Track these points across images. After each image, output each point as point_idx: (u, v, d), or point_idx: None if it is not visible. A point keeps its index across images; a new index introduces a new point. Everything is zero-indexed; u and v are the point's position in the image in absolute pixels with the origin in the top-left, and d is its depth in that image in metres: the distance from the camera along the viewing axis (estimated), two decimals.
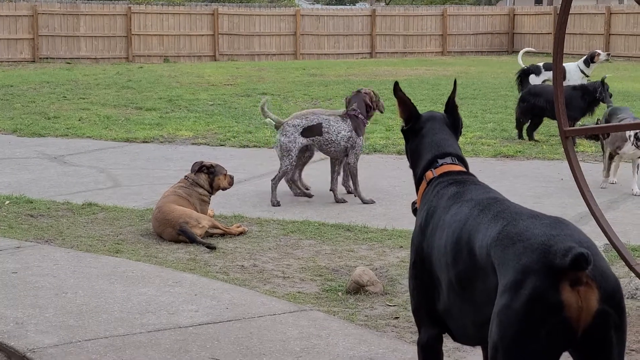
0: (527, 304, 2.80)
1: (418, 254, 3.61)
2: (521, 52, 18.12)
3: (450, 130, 3.92)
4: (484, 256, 3.10)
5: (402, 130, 3.94)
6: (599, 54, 15.50)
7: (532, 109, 13.20)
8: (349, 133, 9.57)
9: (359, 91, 9.89)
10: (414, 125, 3.91)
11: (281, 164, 9.50)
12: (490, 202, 3.40)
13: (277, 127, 9.70)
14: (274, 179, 9.47)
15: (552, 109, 12.67)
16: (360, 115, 9.66)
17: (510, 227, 3.06)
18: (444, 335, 3.67)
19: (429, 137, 3.87)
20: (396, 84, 3.93)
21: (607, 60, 15.95)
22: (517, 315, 2.81)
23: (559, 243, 2.87)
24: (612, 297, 2.85)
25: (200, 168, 8.46)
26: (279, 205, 9.27)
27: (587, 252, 2.77)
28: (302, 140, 9.53)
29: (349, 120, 9.62)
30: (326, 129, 9.56)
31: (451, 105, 4.00)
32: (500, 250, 2.99)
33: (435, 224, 3.53)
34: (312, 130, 9.56)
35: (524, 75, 14.50)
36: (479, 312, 3.15)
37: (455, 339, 3.57)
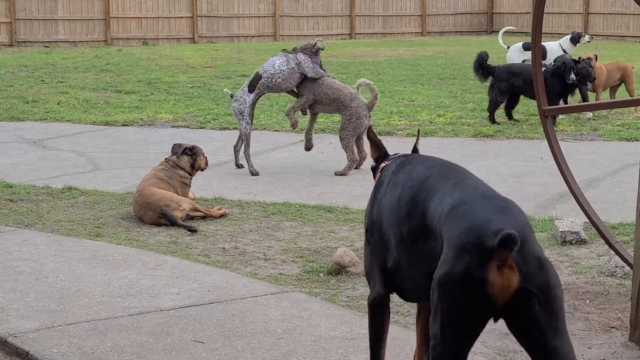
0: (459, 277, 3.23)
1: (370, 218, 3.97)
2: (501, 31, 18.14)
3: None
4: (436, 220, 3.46)
5: (372, 168, 4.30)
6: (583, 36, 15.52)
7: (511, 89, 13.06)
8: (285, 61, 9.93)
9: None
10: (381, 163, 4.24)
11: (240, 129, 9.91)
12: (450, 169, 3.75)
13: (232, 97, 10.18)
14: (239, 146, 9.79)
15: (531, 88, 12.65)
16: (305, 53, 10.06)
17: (463, 204, 3.39)
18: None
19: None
20: (369, 129, 4.36)
21: (588, 42, 15.96)
22: (451, 285, 3.26)
23: (495, 226, 3.21)
24: (533, 279, 3.22)
25: (184, 151, 8.45)
26: (258, 175, 9.47)
27: (515, 233, 3.11)
28: (251, 97, 9.96)
29: (289, 55, 10.02)
30: (262, 71, 9.97)
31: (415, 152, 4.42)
32: (449, 223, 3.37)
33: (387, 186, 3.89)
34: (253, 82, 10.01)
35: (481, 62, 13.80)
36: (427, 265, 3.52)
37: (405, 298, 3.98)
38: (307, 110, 10.19)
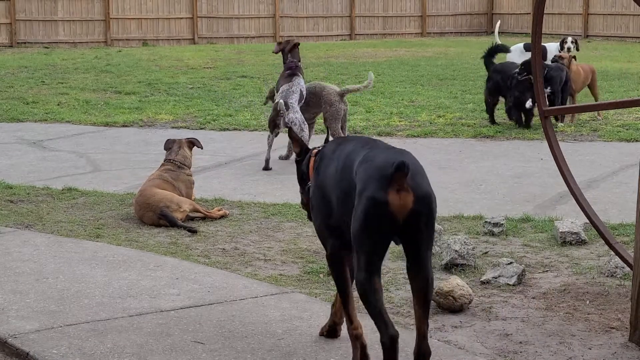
0: (368, 201, 4.08)
1: (316, 187, 4.72)
2: (496, 31, 18.19)
3: None
4: (355, 173, 4.30)
5: (296, 161, 5.10)
6: (566, 42, 15.48)
7: (499, 88, 12.99)
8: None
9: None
10: (304, 156, 5.04)
11: (304, 137, 10.09)
12: (368, 141, 4.59)
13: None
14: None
15: (506, 87, 12.64)
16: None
17: (370, 153, 4.29)
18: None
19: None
20: (289, 130, 5.41)
21: (573, 43, 15.69)
22: (363, 210, 4.10)
23: (392, 161, 4.07)
24: (423, 200, 4.10)
25: (190, 143, 8.50)
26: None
27: (406, 161, 4.02)
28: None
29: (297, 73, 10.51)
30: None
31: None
32: (360, 167, 4.24)
33: (327, 162, 4.64)
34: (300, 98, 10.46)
35: (488, 56, 13.87)
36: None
37: (348, 247, 4.52)
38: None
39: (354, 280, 4.29)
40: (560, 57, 12.95)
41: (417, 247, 4.17)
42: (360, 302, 4.31)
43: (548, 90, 12.50)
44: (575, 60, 13.55)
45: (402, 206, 4.05)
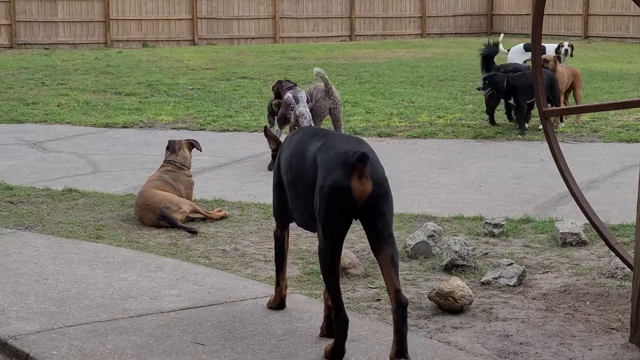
0: (332, 186, 4.54)
1: (275, 173, 5.26)
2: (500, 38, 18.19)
3: None
4: (311, 160, 4.76)
5: (272, 155, 5.61)
6: (562, 45, 15.46)
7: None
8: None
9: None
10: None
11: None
12: (318, 131, 5.05)
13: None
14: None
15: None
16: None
17: (329, 142, 4.73)
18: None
19: None
20: (265, 128, 5.81)
21: (570, 47, 15.65)
22: (327, 193, 4.56)
23: (353, 149, 4.55)
24: (381, 186, 4.58)
25: (190, 145, 8.50)
26: None
27: (367, 152, 4.50)
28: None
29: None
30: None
31: None
32: (321, 155, 4.68)
33: (283, 151, 5.14)
34: None
35: (487, 58, 13.81)
36: (308, 196, 4.82)
37: (299, 225, 5.18)
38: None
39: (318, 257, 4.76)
40: (545, 61, 12.80)
41: (377, 226, 4.61)
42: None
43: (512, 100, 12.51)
44: (561, 62, 13.53)
45: (362, 192, 4.53)
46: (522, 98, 12.32)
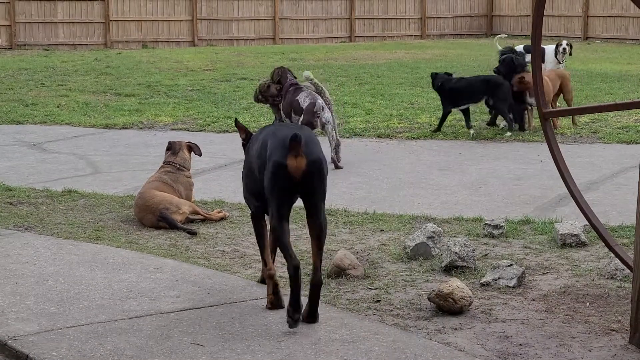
0: (273, 165, 5.23)
1: (244, 162, 5.88)
2: (496, 38, 18.16)
3: None
4: (264, 147, 5.40)
5: (242, 145, 6.02)
6: (561, 44, 15.44)
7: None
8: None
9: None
10: (249, 140, 5.94)
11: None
12: (280, 126, 5.72)
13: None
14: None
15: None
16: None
17: (277, 131, 5.44)
18: None
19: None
20: (235, 120, 6.25)
21: (568, 46, 15.64)
22: (269, 171, 5.26)
23: (291, 133, 5.20)
24: (314, 163, 5.23)
25: (189, 147, 8.49)
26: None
27: (299, 134, 5.17)
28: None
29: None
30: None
31: None
32: (269, 141, 5.36)
33: (253, 144, 5.74)
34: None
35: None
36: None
37: (266, 211, 5.60)
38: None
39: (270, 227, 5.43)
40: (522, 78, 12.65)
41: (312, 199, 5.30)
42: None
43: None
44: (560, 62, 13.45)
45: (298, 168, 5.19)
46: (447, 103, 12.45)
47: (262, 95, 10.81)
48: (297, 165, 5.18)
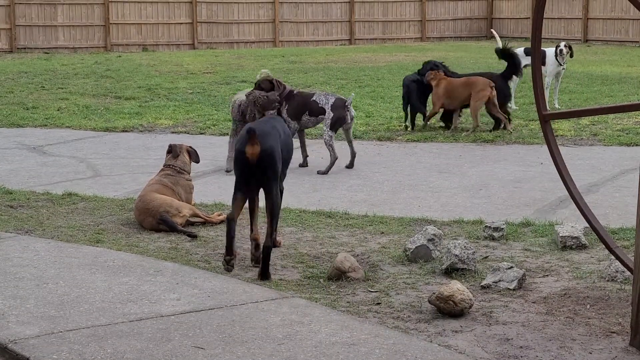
0: (236, 151, 6.52)
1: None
2: (497, 38, 18.16)
3: None
4: None
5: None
6: (559, 46, 15.43)
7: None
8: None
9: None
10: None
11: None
12: (268, 118, 7.18)
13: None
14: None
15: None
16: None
17: (249, 125, 6.69)
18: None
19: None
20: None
21: (566, 47, 15.58)
22: (235, 157, 6.53)
23: (251, 126, 6.56)
24: (266, 151, 6.46)
25: (190, 152, 8.49)
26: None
27: (252, 128, 6.48)
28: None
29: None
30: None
31: None
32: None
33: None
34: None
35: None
36: None
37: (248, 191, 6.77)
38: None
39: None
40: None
41: (264, 178, 6.52)
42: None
43: None
44: (561, 64, 13.47)
45: (252, 154, 6.43)
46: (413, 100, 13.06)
47: (261, 107, 10.25)
48: (252, 152, 6.43)
